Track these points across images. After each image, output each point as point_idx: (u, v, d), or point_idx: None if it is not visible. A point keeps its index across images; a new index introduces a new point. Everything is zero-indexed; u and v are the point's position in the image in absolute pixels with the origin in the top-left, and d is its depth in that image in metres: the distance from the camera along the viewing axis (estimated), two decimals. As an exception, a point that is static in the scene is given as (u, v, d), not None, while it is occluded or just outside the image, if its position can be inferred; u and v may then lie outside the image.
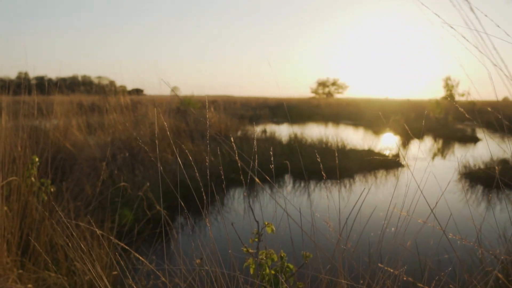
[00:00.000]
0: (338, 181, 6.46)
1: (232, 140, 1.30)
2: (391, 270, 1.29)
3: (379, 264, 1.27)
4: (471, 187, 6.44)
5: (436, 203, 1.43)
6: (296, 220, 1.46)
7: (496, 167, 2.21)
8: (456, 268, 2.38)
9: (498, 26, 1.35)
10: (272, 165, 1.40)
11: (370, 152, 8.64)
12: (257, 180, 1.42)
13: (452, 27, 1.31)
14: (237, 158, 1.29)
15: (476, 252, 2.66)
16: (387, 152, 8.86)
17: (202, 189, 1.46)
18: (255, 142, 1.30)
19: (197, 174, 1.39)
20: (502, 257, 2.10)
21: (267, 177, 1.38)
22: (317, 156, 1.50)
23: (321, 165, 1.39)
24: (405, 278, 1.45)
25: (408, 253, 1.61)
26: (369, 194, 5.81)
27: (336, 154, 1.60)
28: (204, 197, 1.50)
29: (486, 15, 1.30)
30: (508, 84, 1.35)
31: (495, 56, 1.32)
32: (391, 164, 8.08)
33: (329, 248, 1.60)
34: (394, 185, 6.43)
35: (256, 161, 1.35)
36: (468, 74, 1.57)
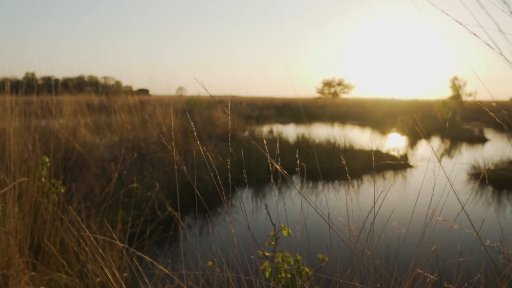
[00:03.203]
0: (356, 181, 6.41)
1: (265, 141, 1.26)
2: (427, 274, 1.24)
3: (421, 271, 1.22)
4: (482, 188, 6.36)
5: (464, 205, 1.38)
6: (322, 220, 1.41)
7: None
8: (486, 272, 2.33)
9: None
10: (299, 169, 1.36)
11: (378, 152, 8.57)
12: (288, 177, 1.38)
13: (462, 24, 1.26)
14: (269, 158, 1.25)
15: (497, 255, 2.61)
16: (395, 153, 8.78)
17: (221, 190, 1.42)
18: (277, 144, 1.26)
19: (216, 173, 1.36)
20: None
21: (287, 176, 1.34)
22: (342, 159, 1.46)
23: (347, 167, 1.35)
24: (430, 279, 1.40)
25: (430, 256, 1.56)
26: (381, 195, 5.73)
27: (373, 154, 1.55)
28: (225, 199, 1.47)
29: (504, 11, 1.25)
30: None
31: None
32: (400, 165, 8.01)
33: (347, 251, 1.55)
34: (411, 186, 6.37)
35: (279, 161, 1.31)
36: (477, 74, 1.51)
